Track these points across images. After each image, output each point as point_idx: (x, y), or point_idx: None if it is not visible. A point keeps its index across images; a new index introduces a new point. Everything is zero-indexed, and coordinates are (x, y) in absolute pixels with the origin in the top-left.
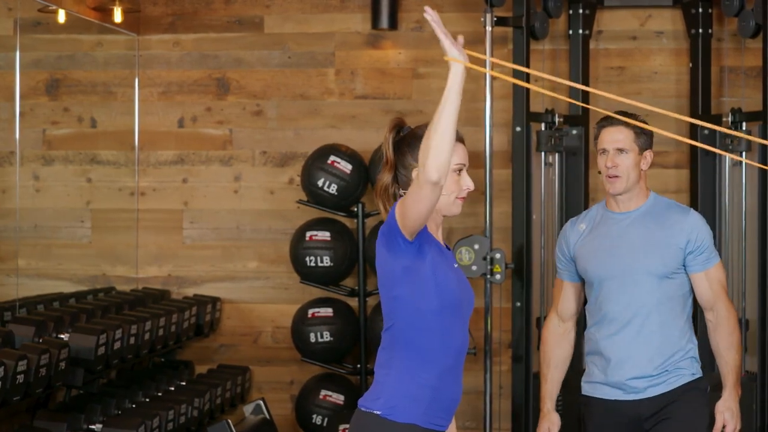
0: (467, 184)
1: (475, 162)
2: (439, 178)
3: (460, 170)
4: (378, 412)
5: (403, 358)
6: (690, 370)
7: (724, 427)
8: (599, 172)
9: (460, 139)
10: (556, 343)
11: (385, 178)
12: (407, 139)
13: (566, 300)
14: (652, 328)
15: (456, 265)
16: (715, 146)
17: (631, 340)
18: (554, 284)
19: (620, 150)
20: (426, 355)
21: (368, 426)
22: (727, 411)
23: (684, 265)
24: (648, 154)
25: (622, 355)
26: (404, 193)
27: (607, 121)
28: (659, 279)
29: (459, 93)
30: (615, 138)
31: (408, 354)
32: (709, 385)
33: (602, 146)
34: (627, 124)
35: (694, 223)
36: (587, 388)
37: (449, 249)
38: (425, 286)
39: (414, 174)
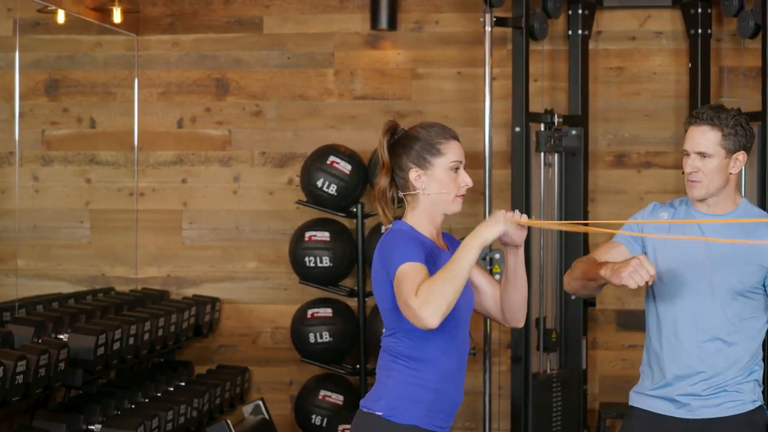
0: (465, 181)
1: (474, 162)
2: (436, 325)
3: (457, 168)
4: (380, 413)
5: (404, 362)
6: (751, 396)
7: None
8: (683, 172)
9: (454, 136)
10: (587, 259)
11: (383, 181)
12: (402, 141)
13: (611, 257)
14: (719, 347)
15: None
16: None
17: (695, 355)
18: (607, 247)
19: (702, 154)
20: (426, 360)
21: (370, 427)
22: None
23: (765, 285)
24: (741, 156)
25: (682, 368)
26: (403, 195)
27: (693, 119)
28: (735, 295)
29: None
30: (697, 140)
31: (409, 358)
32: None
33: (685, 147)
34: (713, 124)
35: None
36: (634, 398)
37: (452, 249)
38: None
39: (411, 176)
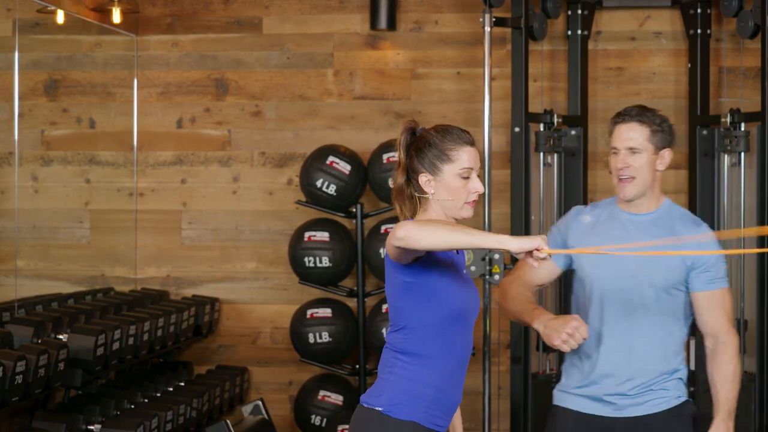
0: (476, 187)
1: None
2: (401, 240)
3: (467, 175)
4: (380, 409)
5: (408, 360)
6: (676, 393)
7: None
8: (610, 173)
9: (470, 142)
10: (523, 284)
11: (399, 180)
12: (416, 144)
13: (536, 273)
14: (645, 343)
15: (465, 270)
16: (714, 147)
17: (621, 352)
18: (522, 262)
19: (632, 149)
20: (430, 359)
21: (370, 422)
22: None
23: (686, 282)
24: (666, 153)
25: (609, 367)
26: (416, 196)
27: (620, 117)
28: (660, 292)
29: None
30: (627, 136)
31: (412, 356)
32: (695, 409)
33: (614, 144)
34: (642, 121)
35: (705, 239)
36: (560, 397)
37: (461, 252)
38: (431, 299)
39: (422, 180)
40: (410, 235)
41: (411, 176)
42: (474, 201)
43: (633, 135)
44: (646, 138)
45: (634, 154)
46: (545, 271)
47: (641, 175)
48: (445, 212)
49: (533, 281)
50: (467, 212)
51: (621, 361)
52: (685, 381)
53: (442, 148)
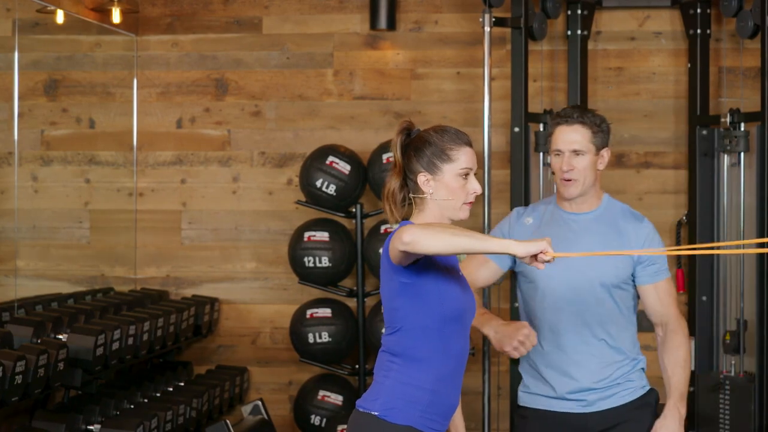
0: (474, 187)
1: None
2: (407, 244)
3: (466, 175)
4: (376, 413)
5: (403, 363)
6: (640, 383)
7: None
8: (552, 173)
9: (467, 142)
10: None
11: (393, 182)
12: (414, 144)
13: (480, 275)
14: (602, 339)
15: (461, 273)
16: (713, 147)
17: (580, 350)
18: (463, 265)
19: (576, 152)
20: (426, 362)
21: (366, 426)
22: (662, 429)
23: (633, 276)
24: (605, 153)
25: (571, 366)
26: (412, 197)
27: (561, 119)
28: (612, 289)
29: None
30: (571, 138)
31: (408, 359)
32: (658, 396)
33: (556, 147)
34: (584, 122)
35: (648, 233)
36: (526, 399)
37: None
38: (427, 300)
39: (420, 179)
40: (417, 239)
41: (408, 177)
42: (472, 202)
43: (576, 137)
44: (589, 140)
45: (578, 156)
46: (488, 273)
47: (584, 176)
48: (442, 212)
49: (477, 283)
50: (465, 213)
51: (583, 360)
52: (645, 370)
53: (442, 147)
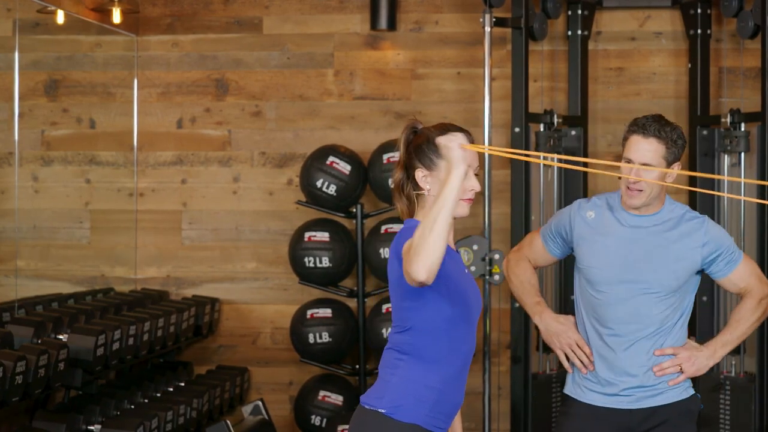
0: (473, 185)
1: None
2: (428, 279)
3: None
4: (382, 410)
5: (411, 361)
6: (685, 384)
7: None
8: (619, 178)
9: (469, 140)
10: (531, 270)
11: (397, 176)
12: (415, 141)
13: (538, 260)
14: (654, 339)
15: (466, 270)
16: (714, 147)
17: (631, 347)
18: (529, 239)
19: (646, 164)
20: (434, 360)
21: (371, 423)
22: (688, 351)
23: (707, 273)
24: (676, 167)
25: (621, 361)
26: (414, 194)
27: (639, 128)
28: (669, 293)
29: (457, 196)
30: (644, 151)
31: (416, 357)
32: (701, 406)
33: (628, 155)
34: (659, 137)
35: (707, 232)
36: (573, 389)
37: (457, 251)
38: (436, 298)
39: (418, 175)
40: (428, 271)
41: (408, 173)
42: (470, 199)
43: (649, 152)
44: (661, 154)
45: (648, 168)
46: (544, 263)
47: (651, 188)
48: None
49: (536, 262)
50: (463, 210)
51: (634, 357)
52: None
53: (437, 143)
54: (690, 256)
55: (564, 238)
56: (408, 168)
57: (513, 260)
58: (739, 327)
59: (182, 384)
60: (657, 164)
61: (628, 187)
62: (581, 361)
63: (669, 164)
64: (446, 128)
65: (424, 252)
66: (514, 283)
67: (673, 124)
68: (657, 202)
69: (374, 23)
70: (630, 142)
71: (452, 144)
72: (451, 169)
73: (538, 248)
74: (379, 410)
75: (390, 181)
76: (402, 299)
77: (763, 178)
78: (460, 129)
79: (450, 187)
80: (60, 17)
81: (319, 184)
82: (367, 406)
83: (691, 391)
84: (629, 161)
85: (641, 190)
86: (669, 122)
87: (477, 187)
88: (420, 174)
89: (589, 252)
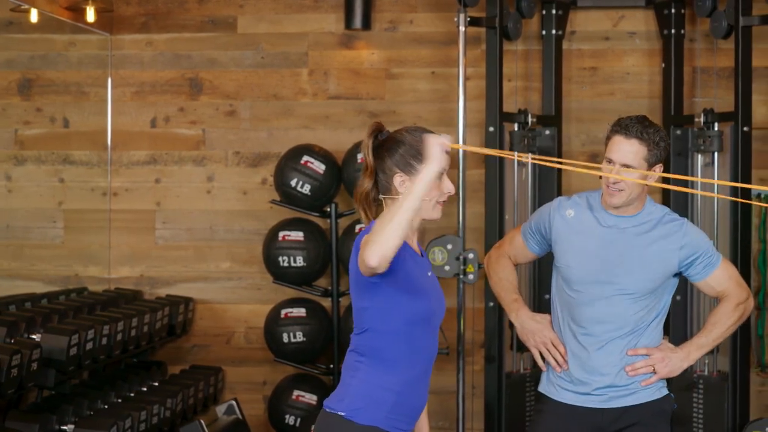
0: (448, 188)
1: None
2: (379, 266)
3: (441, 175)
4: (342, 413)
5: (370, 363)
6: (658, 384)
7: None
8: (600, 177)
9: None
10: (511, 267)
11: (366, 184)
12: (386, 144)
13: (518, 257)
14: (628, 339)
15: (430, 273)
16: (687, 147)
17: (604, 347)
18: (510, 236)
19: (627, 165)
20: (393, 363)
21: (332, 426)
22: (662, 352)
23: (685, 275)
24: (657, 168)
25: (594, 360)
26: (383, 198)
27: (621, 129)
28: (644, 294)
29: (427, 190)
30: (625, 153)
31: (375, 359)
32: (675, 406)
33: (609, 155)
34: (641, 138)
35: (686, 234)
36: (548, 388)
37: (424, 254)
38: (395, 301)
39: (396, 180)
40: (381, 257)
41: (380, 178)
42: (444, 201)
43: (631, 153)
44: (643, 156)
45: (628, 169)
46: (524, 259)
47: (631, 189)
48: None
49: (516, 259)
50: (437, 213)
51: (608, 356)
52: None
53: (418, 148)
54: (667, 258)
55: (543, 236)
56: (380, 173)
57: (494, 257)
58: (714, 330)
59: (156, 384)
60: (638, 165)
61: (608, 186)
62: (555, 360)
63: (650, 166)
64: (419, 130)
65: (380, 239)
66: (493, 279)
67: (656, 125)
68: (638, 203)
69: (349, 23)
70: (612, 142)
71: (438, 141)
72: (427, 164)
73: (519, 245)
74: (339, 413)
75: (356, 189)
76: (360, 298)
77: (736, 178)
78: (428, 130)
79: (423, 181)
80: (34, 16)
81: (293, 183)
82: (328, 410)
83: (665, 391)
84: (610, 161)
85: (622, 190)
86: (653, 124)
87: (452, 190)
88: (399, 179)
89: (566, 251)
